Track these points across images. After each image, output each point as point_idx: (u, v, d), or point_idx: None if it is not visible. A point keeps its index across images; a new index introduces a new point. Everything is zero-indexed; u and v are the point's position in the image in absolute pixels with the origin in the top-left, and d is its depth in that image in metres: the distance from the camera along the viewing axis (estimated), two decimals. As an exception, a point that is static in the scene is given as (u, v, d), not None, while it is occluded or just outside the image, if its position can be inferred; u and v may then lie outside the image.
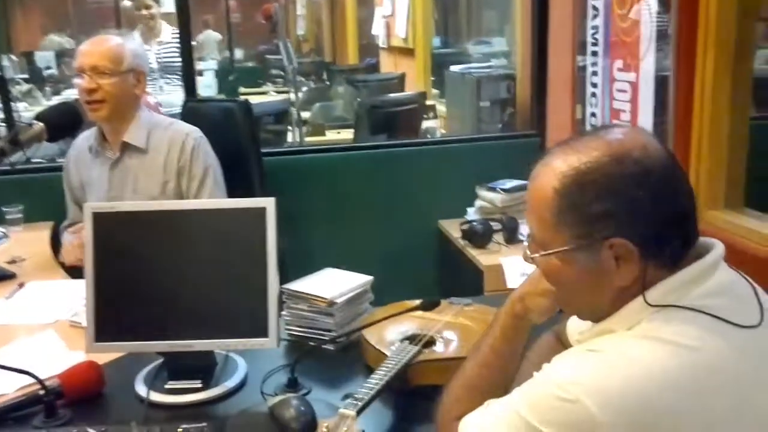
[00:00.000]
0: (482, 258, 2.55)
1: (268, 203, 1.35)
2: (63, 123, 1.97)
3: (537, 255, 0.97)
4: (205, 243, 1.36)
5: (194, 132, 2.22)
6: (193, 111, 2.44)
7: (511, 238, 2.65)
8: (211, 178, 2.19)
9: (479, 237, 2.64)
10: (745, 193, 1.86)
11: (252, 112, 2.59)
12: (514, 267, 2.42)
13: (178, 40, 4.06)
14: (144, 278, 1.35)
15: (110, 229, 1.35)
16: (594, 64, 2.54)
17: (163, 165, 2.17)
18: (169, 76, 4.13)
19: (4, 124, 1.86)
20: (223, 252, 1.35)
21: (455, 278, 2.86)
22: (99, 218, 1.35)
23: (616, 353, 0.86)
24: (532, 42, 3.09)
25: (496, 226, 2.68)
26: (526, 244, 1.02)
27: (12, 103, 1.85)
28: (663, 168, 0.90)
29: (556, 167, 0.92)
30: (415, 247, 3.08)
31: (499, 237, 2.66)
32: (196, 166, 2.17)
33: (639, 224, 0.88)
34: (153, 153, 2.17)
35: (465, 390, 1.05)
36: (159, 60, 4.08)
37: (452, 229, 2.88)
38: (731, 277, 0.94)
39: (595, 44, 2.52)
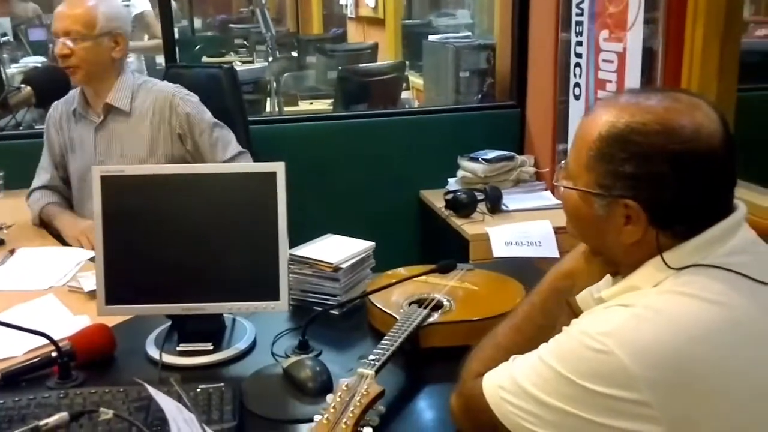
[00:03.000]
0: (467, 227, 2.58)
1: (279, 168, 1.35)
2: (51, 86, 1.93)
3: (562, 184, 1.02)
4: (215, 207, 1.35)
5: (179, 91, 2.18)
6: (176, 77, 2.39)
7: (495, 207, 2.68)
8: (221, 136, 2.17)
9: (463, 207, 2.67)
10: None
11: (237, 78, 2.55)
12: (500, 236, 2.46)
13: (127, 4, 4.01)
14: (154, 242, 1.34)
15: (119, 192, 1.34)
16: (579, 33, 2.57)
17: (150, 127, 2.13)
18: None
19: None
20: (234, 216, 1.35)
21: (439, 248, 2.89)
22: (108, 181, 1.33)
23: (647, 307, 0.89)
24: (512, 12, 3.10)
25: (479, 196, 2.72)
26: (559, 169, 1.05)
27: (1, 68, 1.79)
28: (707, 153, 0.91)
29: (612, 114, 0.94)
30: (398, 217, 3.10)
31: (482, 207, 2.70)
32: (196, 127, 2.14)
33: (658, 197, 0.91)
34: (138, 115, 2.14)
35: (494, 350, 1.08)
36: None
37: (435, 199, 2.91)
38: (753, 236, 0.98)
39: (580, 14, 2.55)
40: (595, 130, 0.95)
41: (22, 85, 1.86)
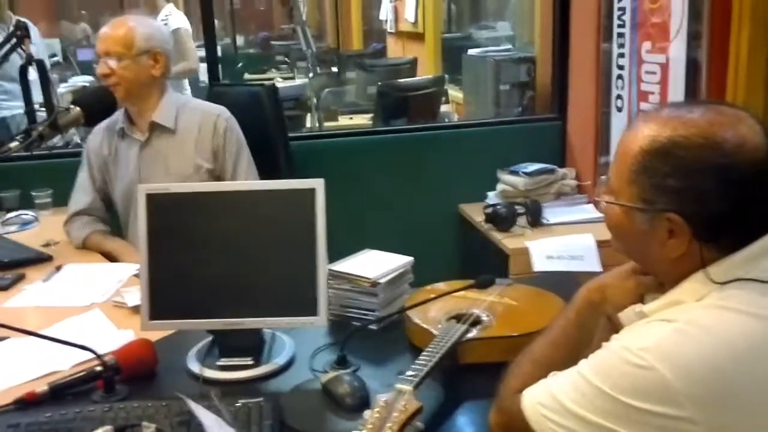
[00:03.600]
0: (507, 241, 2.56)
1: (318, 184, 1.36)
2: (99, 106, 1.99)
3: (604, 199, 1.01)
4: (256, 223, 1.37)
5: (224, 112, 2.24)
6: (219, 95, 2.45)
7: (535, 221, 2.66)
8: (244, 158, 2.23)
9: (503, 220, 2.65)
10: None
11: (278, 96, 2.59)
12: (541, 250, 2.44)
13: (165, 22, 4.10)
14: (196, 258, 1.37)
15: (164, 209, 1.36)
16: (621, 45, 2.54)
17: (195, 146, 2.19)
18: None
19: (43, 109, 1.86)
20: (274, 232, 1.37)
21: (478, 262, 2.88)
22: (153, 199, 1.36)
23: (689, 322, 0.88)
24: (553, 24, 3.08)
25: (519, 209, 2.69)
26: (600, 183, 1.05)
27: (52, 89, 1.85)
28: (751, 167, 0.89)
29: (653, 129, 0.94)
30: (437, 231, 3.09)
31: (522, 220, 2.67)
32: (230, 145, 2.20)
33: (702, 211, 0.90)
34: (183, 133, 2.19)
35: (531, 365, 1.07)
36: None
37: (474, 213, 2.89)
38: None
39: (621, 26, 2.52)
40: (637, 144, 0.94)
41: (72, 106, 1.92)
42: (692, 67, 2.14)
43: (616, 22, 2.55)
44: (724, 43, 2.00)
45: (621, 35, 2.53)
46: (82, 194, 2.25)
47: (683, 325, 0.87)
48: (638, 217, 0.95)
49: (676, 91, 2.22)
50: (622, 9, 2.50)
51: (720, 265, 0.91)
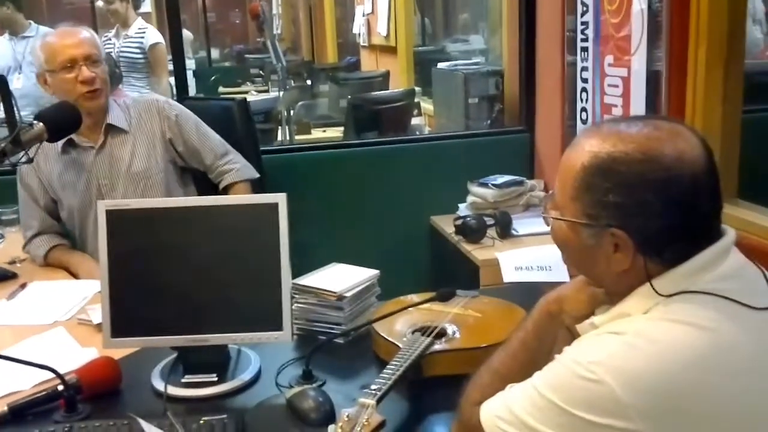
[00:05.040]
0: (477, 253, 2.58)
1: (280, 199, 1.36)
2: (63, 122, 1.95)
3: (550, 215, 1.03)
4: (217, 238, 1.37)
5: (161, 97, 2.31)
6: (190, 109, 2.44)
7: (505, 232, 2.68)
8: (204, 127, 2.29)
9: (473, 232, 2.67)
10: (738, 184, 1.92)
11: (250, 110, 2.60)
12: (510, 261, 2.46)
13: (141, 36, 4.09)
14: (158, 274, 1.36)
15: (124, 225, 1.36)
16: (584, 59, 2.58)
17: (147, 137, 2.21)
18: (134, 74, 4.09)
19: (5, 125, 1.84)
20: (236, 247, 1.37)
21: (450, 273, 2.89)
22: (113, 215, 1.36)
23: (638, 335, 0.89)
24: (519, 38, 3.12)
25: (489, 221, 2.71)
26: (546, 199, 1.08)
27: (13, 104, 1.82)
28: (691, 180, 0.91)
29: (593, 145, 0.95)
30: (408, 243, 3.10)
31: (492, 232, 2.69)
32: (184, 122, 2.25)
33: (644, 225, 0.92)
34: (134, 130, 2.20)
35: (490, 377, 1.08)
36: (121, 55, 4.04)
37: (445, 224, 2.91)
38: (741, 261, 0.98)
39: (584, 40, 2.56)
40: (578, 161, 0.96)
41: (35, 122, 1.89)
42: (653, 81, 2.18)
43: (579, 36, 2.59)
44: (683, 57, 2.04)
45: (585, 49, 2.57)
46: (30, 219, 2.21)
47: (631, 338, 0.89)
48: (583, 233, 0.97)
49: (638, 103, 2.26)
50: (585, 23, 2.54)
51: (665, 278, 0.93)
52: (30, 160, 1.85)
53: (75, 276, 2.08)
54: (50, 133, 1.90)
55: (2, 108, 1.83)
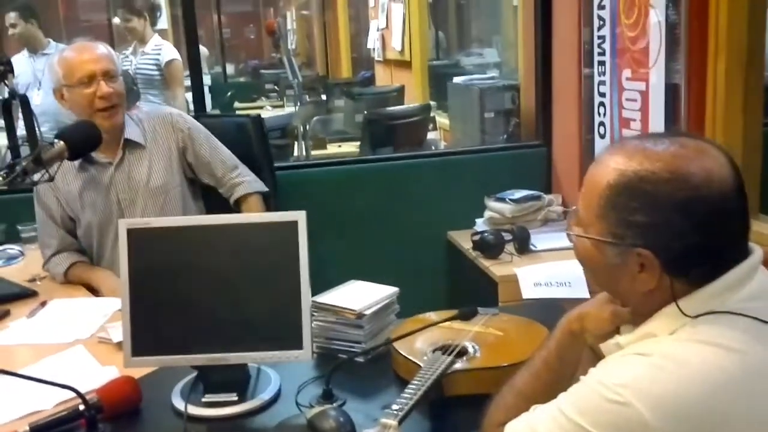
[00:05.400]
0: (495, 269, 2.56)
1: (300, 216, 1.36)
2: (84, 141, 1.97)
3: (573, 232, 1.01)
4: (238, 256, 1.37)
5: (173, 110, 2.34)
6: (206, 126, 2.45)
7: (523, 248, 2.66)
8: (215, 140, 2.31)
9: (491, 248, 2.65)
10: (760, 199, 1.89)
11: (264, 127, 2.61)
12: (529, 277, 2.44)
13: (158, 52, 4.13)
14: (179, 292, 1.36)
15: (145, 244, 1.36)
16: (601, 73, 2.57)
17: (163, 152, 2.23)
18: (152, 91, 4.12)
19: (27, 143, 1.86)
20: (256, 265, 1.37)
21: (467, 289, 2.88)
22: (134, 234, 1.36)
23: (665, 357, 0.88)
24: (535, 52, 3.12)
25: (507, 236, 2.70)
26: (568, 215, 1.05)
27: (35, 123, 1.84)
28: (719, 199, 0.90)
29: (619, 162, 0.94)
30: (426, 259, 3.09)
31: (510, 247, 2.68)
32: (195, 134, 2.27)
33: (671, 245, 0.91)
34: (150, 144, 2.22)
35: (513, 398, 1.07)
36: (138, 72, 4.07)
37: (462, 240, 2.90)
38: None
39: (602, 54, 2.55)
40: (604, 179, 0.95)
41: (56, 141, 1.91)
42: (672, 94, 2.17)
43: (596, 50, 2.58)
44: (702, 70, 2.03)
45: (602, 63, 2.56)
46: (48, 237, 2.22)
47: (659, 360, 0.87)
48: (608, 251, 0.96)
49: (657, 118, 2.24)
50: (602, 37, 2.53)
51: (691, 299, 0.92)
52: (51, 179, 1.87)
53: (97, 292, 2.08)
54: (71, 151, 1.92)
55: (24, 126, 1.86)
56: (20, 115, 1.92)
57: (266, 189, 2.37)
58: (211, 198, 2.36)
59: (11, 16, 4.09)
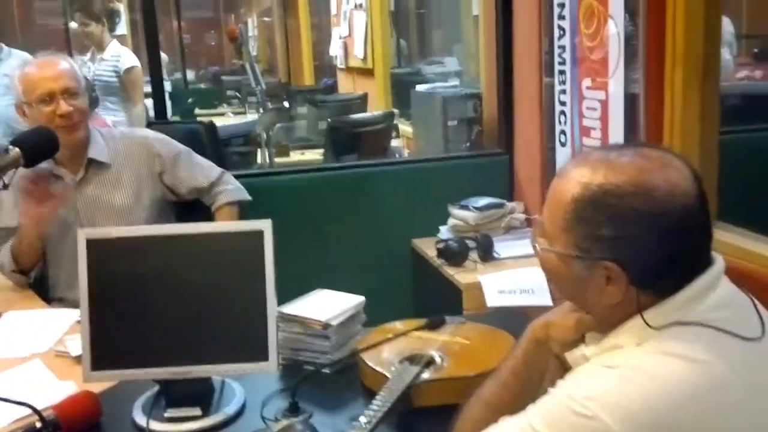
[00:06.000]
0: (459, 276, 2.57)
1: (266, 226, 1.35)
2: (40, 147, 1.93)
3: (539, 245, 1.01)
4: (201, 267, 1.35)
5: (149, 133, 2.29)
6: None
7: (487, 255, 2.68)
8: (191, 158, 2.28)
9: (455, 255, 2.66)
10: (718, 206, 1.93)
11: (217, 133, 2.60)
12: (493, 285, 2.45)
13: (117, 59, 4.06)
14: (140, 304, 1.33)
15: (105, 255, 1.33)
16: (562, 82, 2.60)
17: (133, 174, 2.18)
18: (110, 98, 4.04)
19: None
20: (221, 276, 1.34)
21: (432, 297, 2.88)
22: (94, 244, 1.33)
23: (632, 369, 0.88)
24: (497, 61, 3.15)
25: (471, 244, 2.71)
26: (533, 226, 1.06)
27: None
28: (683, 212, 0.91)
29: (583, 176, 0.94)
30: (390, 267, 3.08)
31: (474, 255, 2.69)
32: (170, 156, 2.23)
33: (638, 258, 0.91)
34: (116, 165, 2.17)
35: (481, 408, 1.06)
36: (97, 79, 3.98)
37: (427, 247, 2.90)
38: (732, 289, 0.98)
39: (562, 63, 2.59)
40: (569, 192, 0.95)
41: (10, 147, 1.86)
42: (630, 104, 2.20)
43: (557, 59, 2.62)
44: (660, 80, 2.07)
45: (562, 72, 2.60)
46: (6, 218, 2.13)
47: (627, 372, 0.88)
48: (575, 265, 0.96)
49: (617, 127, 2.28)
50: (562, 47, 2.57)
51: (657, 310, 0.93)
52: (5, 186, 1.82)
53: (20, 245, 2.05)
54: (27, 158, 1.87)
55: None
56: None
57: (247, 198, 2.36)
58: (195, 211, 2.33)
59: None
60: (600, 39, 2.33)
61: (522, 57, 3.02)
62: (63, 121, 2.04)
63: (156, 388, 1.39)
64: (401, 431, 1.28)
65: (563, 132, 2.65)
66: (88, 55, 4.20)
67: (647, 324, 0.91)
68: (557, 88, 2.64)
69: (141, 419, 1.32)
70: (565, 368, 1.18)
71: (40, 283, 2.20)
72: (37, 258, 2.12)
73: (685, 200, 0.91)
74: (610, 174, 0.92)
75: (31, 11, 9.53)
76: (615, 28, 2.25)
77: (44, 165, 2.09)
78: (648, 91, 2.12)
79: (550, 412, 0.91)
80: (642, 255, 0.91)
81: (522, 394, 1.06)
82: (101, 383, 1.39)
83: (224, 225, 1.39)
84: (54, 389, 1.44)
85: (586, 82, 2.44)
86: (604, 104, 2.35)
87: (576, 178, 0.95)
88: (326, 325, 1.52)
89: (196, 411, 1.33)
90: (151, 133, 2.29)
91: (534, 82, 2.86)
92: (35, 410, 1.23)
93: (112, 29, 4.25)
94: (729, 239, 1.92)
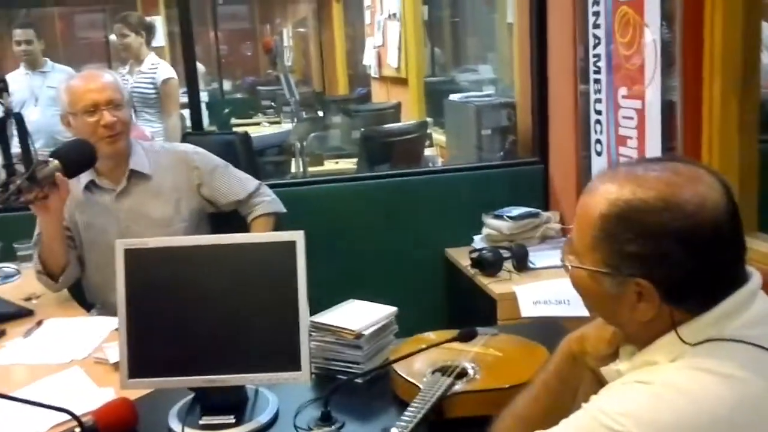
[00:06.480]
0: (493, 286, 2.55)
1: (298, 237, 1.36)
2: (79, 159, 1.98)
3: (569, 262, 1.00)
4: (236, 277, 1.36)
5: (189, 147, 2.35)
6: (193, 144, 2.46)
7: (521, 265, 2.66)
8: (229, 172, 2.33)
9: (490, 265, 2.65)
10: (758, 217, 1.89)
11: (251, 144, 2.64)
12: (528, 295, 2.43)
13: (154, 71, 4.14)
14: (176, 313, 1.36)
15: (142, 265, 1.36)
16: (597, 91, 2.58)
17: (172, 186, 2.23)
18: (147, 109, 4.12)
19: (21, 162, 1.86)
20: (254, 285, 1.36)
21: (465, 307, 2.87)
22: (131, 254, 1.35)
23: (666, 385, 0.87)
24: (531, 69, 3.13)
25: (505, 253, 2.69)
26: (564, 243, 1.04)
27: (29, 141, 1.85)
28: (713, 226, 0.89)
29: (611, 192, 0.93)
30: (423, 277, 3.08)
31: (508, 265, 2.67)
32: (209, 170, 2.29)
33: (668, 275, 0.90)
34: (157, 178, 2.23)
35: (514, 421, 1.06)
36: (134, 91, 4.05)
37: (460, 257, 2.89)
38: None
39: (597, 72, 2.56)
40: (596, 209, 0.94)
41: (50, 159, 1.92)
42: (668, 112, 2.17)
43: (592, 68, 2.59)
44: (698, 89, 2.03)
45: (597, 81, 2.57)
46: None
47: (660, 388, 0.87)
48: (605, 281, 0.94)
49: (654, 136, 2.25)
50: (597, 55, 2.55)
51: (690, 326, 0.91)
52: (45, 197, 1.87)
53: (42, 243, 2.08)
54: (65, 169, 1.92)
55: (18, 144, 1.86)
56: (15, 132, 1.93)
57: (283, 209, 2.40)
58: (231, 223, 2.38)
59: (28, 32, 4.10)
60: (636, 47, 2.31)
61: (556, 65, 3.00)
62: (106, 131, 2.10)
63: (191, 395, 1.41)
64: (433, 443, 1.28)
65: (599, 141, 2.62)
66: (127, 67, 4.29)
67: (682, 340, 0.90)
68: (592, 96, 2.62)
69: (176, 426, 1.34)
70: (600, 383, 1.16)
71: (78, 288, 2.25)
72: (61, 261, 2.13)
73: (715, 214, 0.90)
74: (637, 190, 0.91)
75: (72, 25, 9.77)
76: (651, 36, 2.22)
77: (86, 176, 2.15)
78: (685, 100, 2.09)
79: (582, 427, 0.90)
80: (673, 271, 0.89)
81: (554, 409, 1.05)
82: (138, 390, 1.42)
83: (257, 236, 1.41)
84: (92, 395, 1.47)
85: (622, 90, 2.42)
86: (641, 113, 2.31)
87: (603, 195, 0.94)
88: (359, 335, 1.52)
89: (230, 419, 1.34)
90: (190, 147, 2.35)
91: (569, 90, 2.84)
92: (74, 416, 1.26)
93: (149, 41, 4.33)
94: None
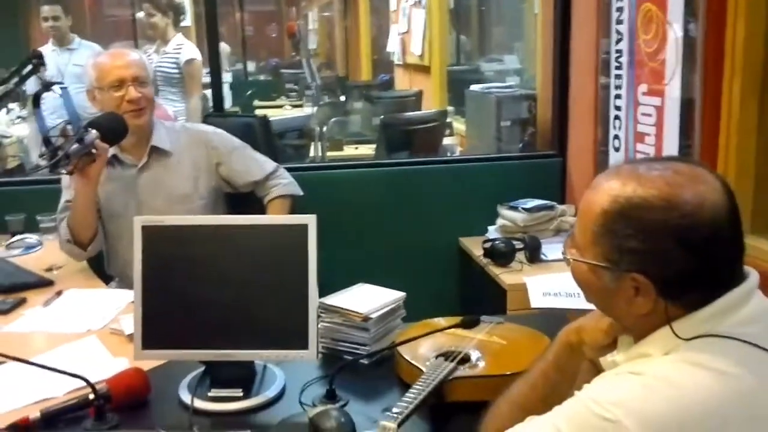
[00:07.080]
0: (505, 277, 2.58)
1: (310, 220, 1.39)
2: (114, 130, 2.06)
3: (570, 257, 1.03)
4: (248, 257, 1.40)
5: (208, 128, 2.42)
6: (214, 125, 2.51)
7: (534, 257, 2.67)
8: (248, 152, 2.39)
9: (502, 255, 2.67)
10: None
11: (271, 127, 2.68)
12: (538, 286, 2.45)
13: (178, 52, 4.18)
14: (190, 289, 1.39)
15: (158, 241, 1.40)
16: (618, 86, 2.58)
17: (192, 164, 2.29)
18: (170, 89, 4.17)
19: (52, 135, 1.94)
20: (266, 266, 1.40)
21: (477, 296, 2.89)
22: (148, 231, 1.40)
23: (658, 377, 0.89)
24: (553, 63, 3.13)
25: (518, 244, 2.71)
26: (567, 237, 1.07)
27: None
28: (711, 226, 0.91)
29: (613, 188, 0.96)
30: (436, 264, 3.11)
31: (521, 256, 2.69)
32: (228, 150, 2.35)
33: (665, 271, 0.92)
34: (177, 155, 2.29)
35: (509, 407, 1.09)
36: (158, 70, 4.09)
37: (474, 247, 2.91)
38: (766, 304, 0.97)
39: (618, 68, 2.56)
40: (598, 205, 0.96)
41: (89, 129, 1.98)
42: (686, 110, 2.17)
43: (613, 63, 2.59)
44: (717, 88, 2.03)
45: (618, 77, 2.57)
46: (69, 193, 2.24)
47: (651, 380, 0.89)
48: (604, 276, 0.97)
49: (671, 134, 2.25)
50: (620, 51, 2.54)
51: (685, 321, 0.93)
52: (93, 161, 2.02)
53: (74, 211, 2.13)
54: (103, 138, 2.01)
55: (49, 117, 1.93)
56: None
57: (299, 192, 2.45)
58: (247, 203, 2.42)
59: (55, 9, 4.15)
60: (658, 44, 2.30)
61: (579, 60, 3.00)
62: (131, 106, 2.16)
63: (202, 368, 1.45)
64: (432, 424, 1.31)
65: (617, 137, 2.62)
66: (153, 47, 4.33)
67: (675, 334, 0.92)
68: (612, 92, 2.62)
69: (186, 397, 1.38)
70: (598, 373, 1.19)
71: (98, 260, 2.31)
72: (91, 231, 2.18)
73: (714, 214, 0.91)
74: (639, 187, 0.93)
75: (100, 2, 9.84)
76: (674, 34, 2.21)
77: (110, 150, 2.20)
78: (705, 98, 2.09)
79: (574, 414, 0.92)
80: (670, 268, 0.92)
81: (550, 397, 1.07)
82: (151, 361, 1.47)
83: (271, 218, 1.44)
84: (107, 364, 1.52)
85: (642, 87, 2.41)
86: (660, 110, 2.31)
87: (606, 191, 0.96)
88: (366, 318, 1.56)
89: (238, 392, 1.38)
90: (210, 128, 2.41)
91: (590, 85, 2.84)
92: (89, 383, 1.31)
93: (176, 22, 4.37)
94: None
